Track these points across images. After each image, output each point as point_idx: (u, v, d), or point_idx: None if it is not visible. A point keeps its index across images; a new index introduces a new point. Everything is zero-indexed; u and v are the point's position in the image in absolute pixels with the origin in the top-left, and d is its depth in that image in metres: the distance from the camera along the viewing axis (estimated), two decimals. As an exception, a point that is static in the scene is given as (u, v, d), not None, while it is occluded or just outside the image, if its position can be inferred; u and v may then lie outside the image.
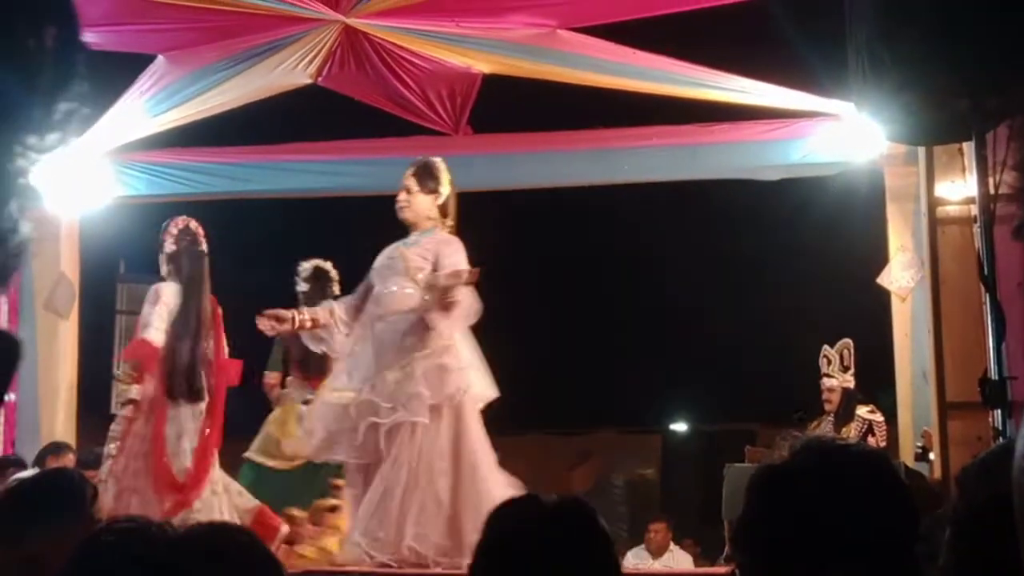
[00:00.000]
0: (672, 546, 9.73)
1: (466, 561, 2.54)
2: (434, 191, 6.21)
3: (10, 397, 8.14)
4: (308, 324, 6.26)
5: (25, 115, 1.04)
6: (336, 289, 7.71)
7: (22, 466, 7.03)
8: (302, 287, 7.82)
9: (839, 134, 8.01)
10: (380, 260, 6.25)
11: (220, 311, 6.87)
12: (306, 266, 7.90)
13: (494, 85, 8.38)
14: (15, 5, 1.04)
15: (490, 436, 6.03)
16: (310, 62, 8.18)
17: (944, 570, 2.06)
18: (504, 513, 2.33)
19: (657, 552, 9.60)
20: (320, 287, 7.74)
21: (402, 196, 6.22)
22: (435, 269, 6.03)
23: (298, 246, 8.35)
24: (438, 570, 5.83)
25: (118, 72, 8.22)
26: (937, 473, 6.97)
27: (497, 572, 2.25)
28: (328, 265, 7.91)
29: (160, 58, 8.28)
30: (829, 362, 8.62)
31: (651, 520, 9.96)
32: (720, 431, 14.93)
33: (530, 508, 2.31)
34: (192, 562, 1.45)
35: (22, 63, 1.04)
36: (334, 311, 6.30)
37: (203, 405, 6.65)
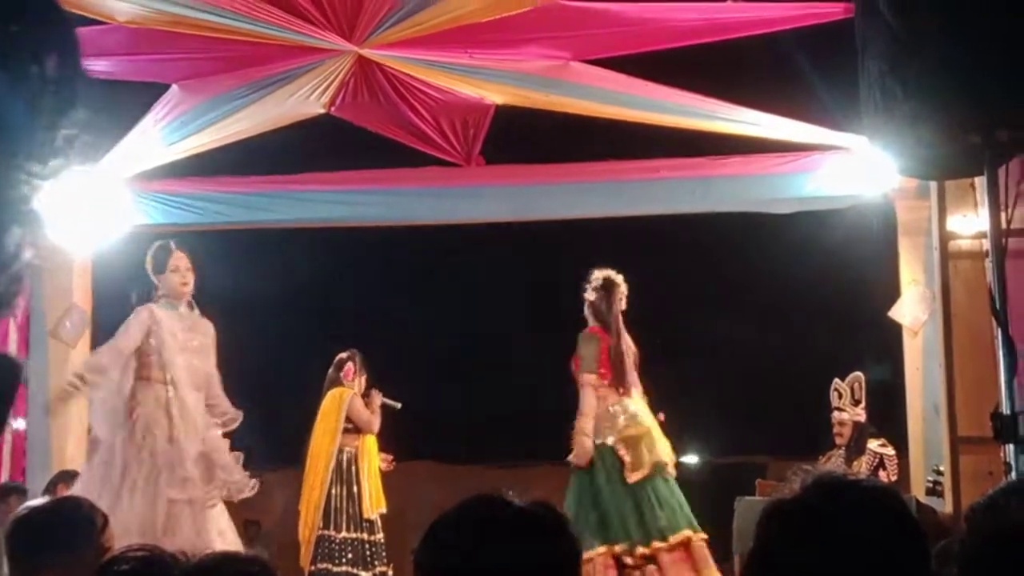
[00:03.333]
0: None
1: None
2: None
3: (21, 425, 8.14)
4: None
5: (27, 142, 1.04)
6: (623, 303, 7.68)
7: (24, 493, 7.04)
8: (590, 295, 7.74)
9: (851, 168, 8.00)
10: None
11: None
12: (597, 275, 7.76)
13: (507, 116, 8.39)
14: (18, 33, 1.05)
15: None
16: (323, 92, 8.19)
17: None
18: (471, 509, 2.22)
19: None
20: (607, 297, 7.70)
21: None
22: None
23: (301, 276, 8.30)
24: None
25: (132, 101, 8.24)
26: (949, 508, 6.94)
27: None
28: (619, 278, 7.78)
29: (174, 87, 8.30)
30: (840, 396, 8.60)
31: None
32: (731, 464, 14.89)
33: (498, 507, 2.20)
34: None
35: (24, 91, 1.04)
36: None
37: None
